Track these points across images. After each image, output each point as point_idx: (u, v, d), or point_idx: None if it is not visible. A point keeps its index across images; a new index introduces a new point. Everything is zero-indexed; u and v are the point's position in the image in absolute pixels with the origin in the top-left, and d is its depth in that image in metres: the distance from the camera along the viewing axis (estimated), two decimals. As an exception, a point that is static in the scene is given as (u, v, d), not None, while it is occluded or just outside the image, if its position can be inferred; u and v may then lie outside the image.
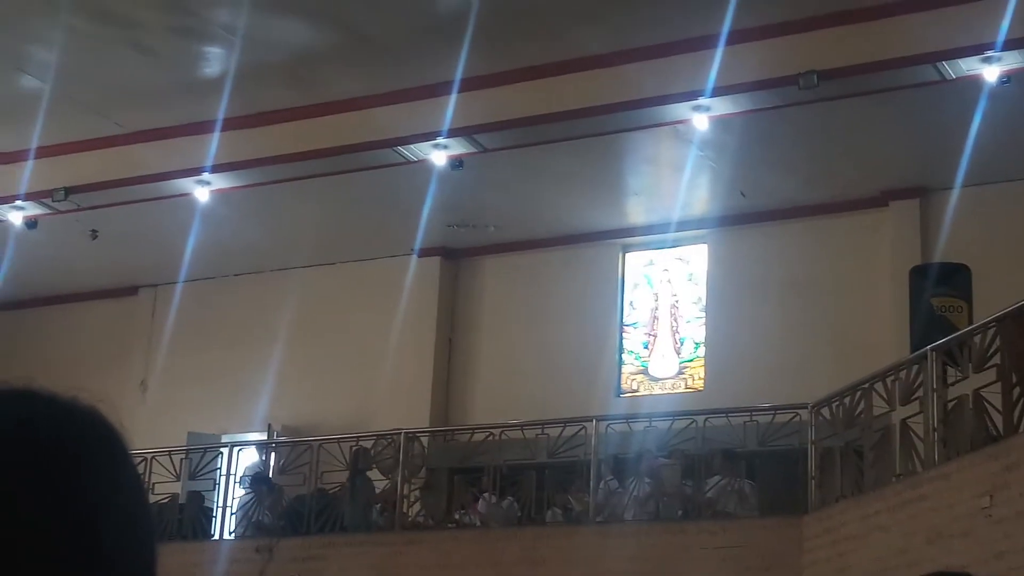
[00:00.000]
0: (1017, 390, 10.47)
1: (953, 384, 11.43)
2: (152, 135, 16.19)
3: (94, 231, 18.37)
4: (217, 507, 15.67)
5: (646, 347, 18.39)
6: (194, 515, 15.50)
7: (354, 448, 15.48)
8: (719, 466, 13.60)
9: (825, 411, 12.99)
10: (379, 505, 15.20)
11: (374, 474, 15.48)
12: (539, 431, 14.90)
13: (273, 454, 16.54)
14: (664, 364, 18.21)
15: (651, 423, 14.77)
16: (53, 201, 16.99)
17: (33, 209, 17.36)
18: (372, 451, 15.44)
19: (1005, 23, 12.62)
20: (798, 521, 12.71)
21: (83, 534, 1.10)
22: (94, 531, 1.11)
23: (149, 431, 17.16)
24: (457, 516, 15.10)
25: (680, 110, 14.43)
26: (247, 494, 15.59)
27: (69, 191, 16.79)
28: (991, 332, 10.99)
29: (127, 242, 18.82)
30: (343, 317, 19.33)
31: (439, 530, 14.82)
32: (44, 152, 16.66)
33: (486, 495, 14.66)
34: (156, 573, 1.17)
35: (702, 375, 17.84)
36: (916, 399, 11.71)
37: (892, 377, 12.14)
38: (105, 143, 16.42)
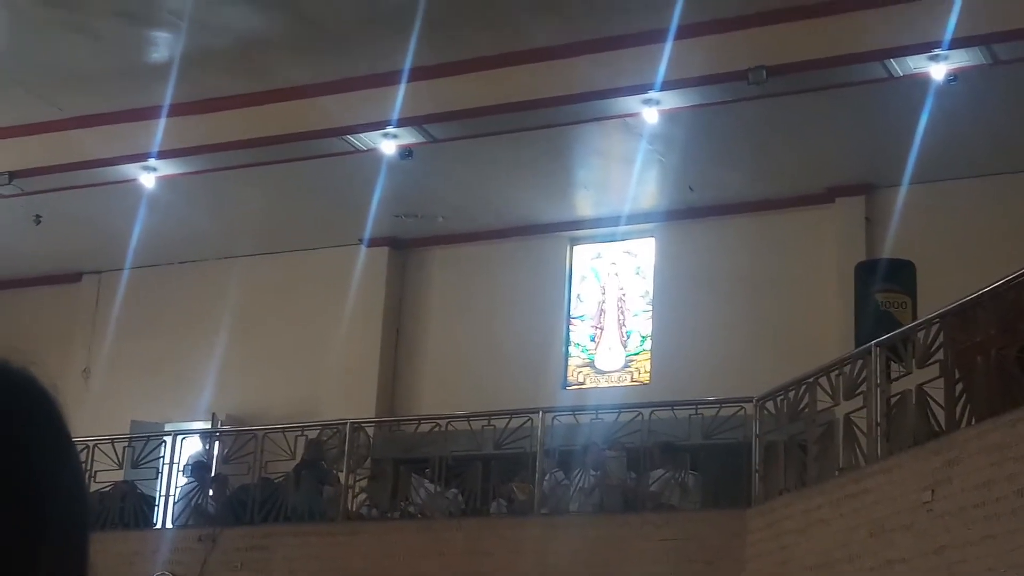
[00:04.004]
0: (959, 386, 10.56)
1: (896, 379, 11.52)
2: (98, 120, 16.01)
3: (38, 216, 18.18)
4: (160, 496, 15.55)
5: (593, 340, 18.42)
6: (134, 504, 15.37)
7: (308, 438, 15.38)
8: (660, 459, 13.65)
9: (770, 405, 13.06)
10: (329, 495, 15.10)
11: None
12: (485, 422, 14.88)
13: (217, 443, 16.44)
14: (610, 357, 18.24)
15: (597, 416, 14.79)
16: (-4, 185, 16.79)
17: (-24, 193, 17.16)
18: (324, 441, 15.34)
19: (952, 21, 12.71)
20: (741, 514, 12.77)
21: (25, 500, 1.09)
22: (36, 495, 1.09)
23: (92, 419, 17.00)
24: (402, 506, 15.07)
25: (630, 103, 14.44)
26: (189, 482, 15.49)
27: (13, 175, 16.59)
28: (935, 328, 11.08)
29: (71, 228, 18.64)
30: (290, 306, 19.24)
31: (384, 520, 14.79)
32: (-12, 136, 16.47)
33: (426, 484, 14.62)
34: (89, 533, 1.16)
35: (648, 368, 17.89)
36: (860, 394, 11.79)
37: (836, 372, 12.22)
38: (50, 127, 16.24)
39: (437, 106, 15.01)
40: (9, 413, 1.11)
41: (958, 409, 10.47)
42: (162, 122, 15.63)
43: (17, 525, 1.08)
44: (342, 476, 15.03)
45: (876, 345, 11.72)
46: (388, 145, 15.47)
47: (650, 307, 18.11)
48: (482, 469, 14.39)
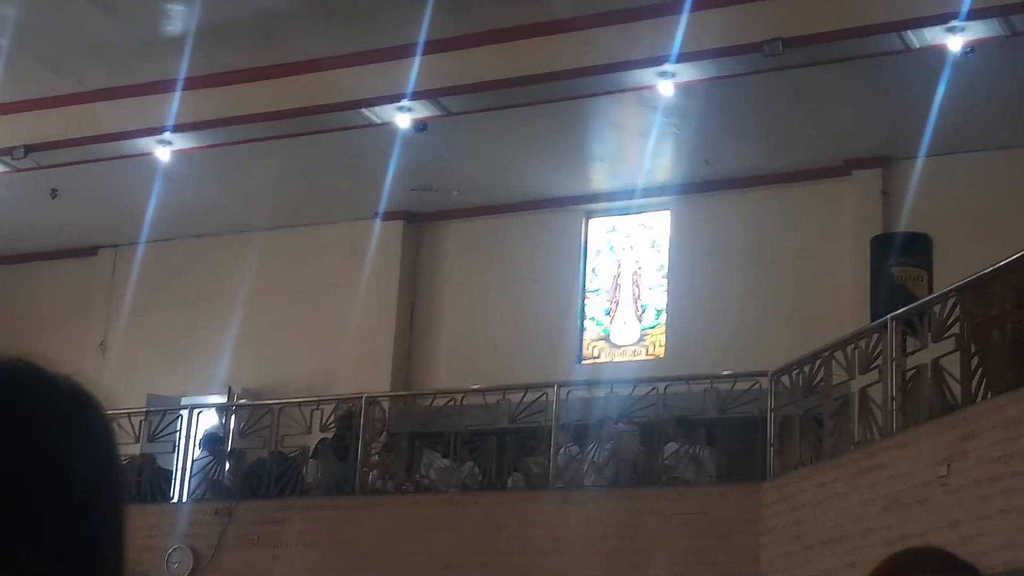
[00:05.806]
0: (975, 360, 10.54)
1: (912, 353, 11.49)
2: (114, 93, 16.01)
3: (54, 190, 18.21)
4: (176, 469, 15.61)
5: (608, 314, 18.41)
6: (151, 477, 15.43)
7: (344, 411, 15.41)
8: (674, 433, 13.65)
9: (785, 379, 13.04)
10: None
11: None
12: (500, 396, 14.90)
13: (233, 417, 16.48)
14: (625, 331, 18.23)
15: (612, 390, 14.78)
16: (13, 159, 16.81)
17: (-8, 167, 17.20)
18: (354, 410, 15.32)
19: (970, -7, 12.64)
20: (757, 488, 12.77)
21: (56, 492, 1.09)
22: (67, 488, 1.10)
23: (108, 392, 17.03)
24: (417, 479, 15.10)
25: (645, 76, 14.39)
26: (204, 456, 15.55)
27: (29, 149, 16.62)
28: (951, 302, 11.05)
29: (88, 201, 18.67)
30: (305, 280, 19.24)
31: (399, 494, 14.83)
32: (4, 109, 16.48)
33: (437, 461, 14.64)
34: (124, 522, 1.16)
35: (663, 342, 17.87)
36: (875, 368, 11.77)
37: (852, 346, 12.19)
38: (66, 101, 16.25)
39: (452, 79, 14.97)
40: (20, 398, 1.11)
41: (974, 383, 10.45)
42: (177, 95, 15.63)
43: (47, 505, 1.10)
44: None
45: (892, 319, 11.69)
46: (403, 118, 15.44)
47: (665, 281, 18.08)
48: (497, 443, 14.41)
